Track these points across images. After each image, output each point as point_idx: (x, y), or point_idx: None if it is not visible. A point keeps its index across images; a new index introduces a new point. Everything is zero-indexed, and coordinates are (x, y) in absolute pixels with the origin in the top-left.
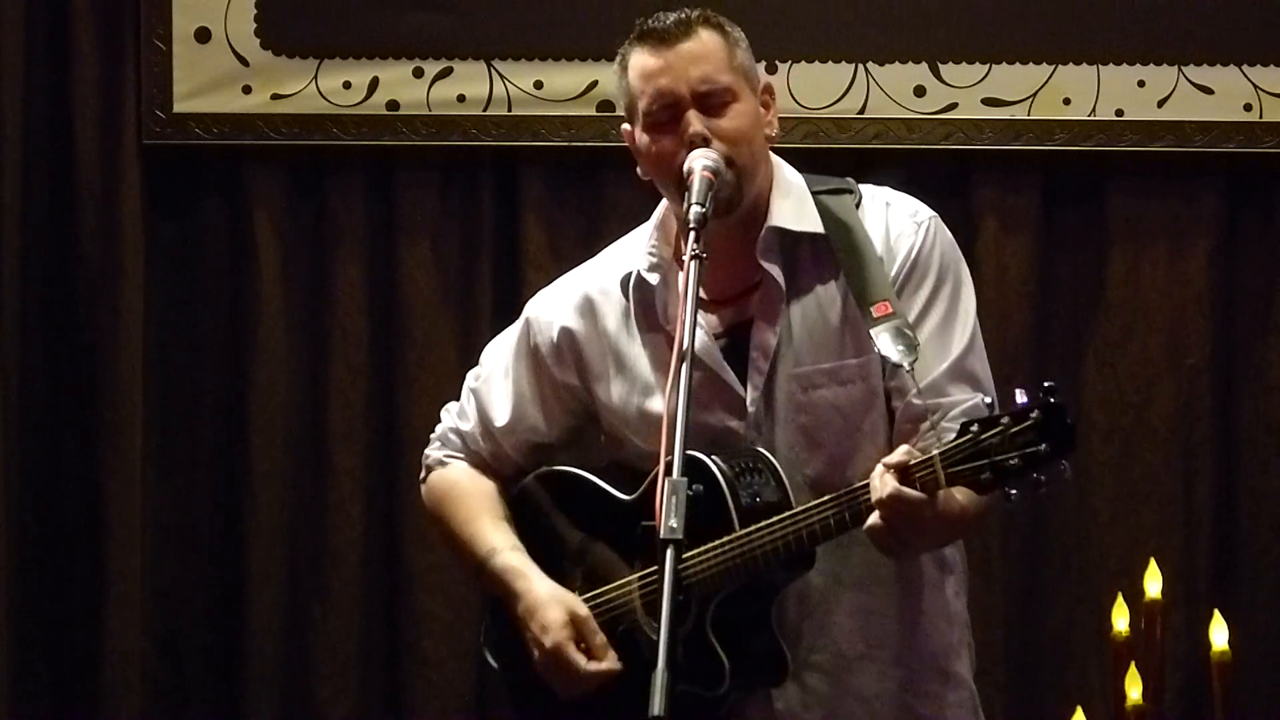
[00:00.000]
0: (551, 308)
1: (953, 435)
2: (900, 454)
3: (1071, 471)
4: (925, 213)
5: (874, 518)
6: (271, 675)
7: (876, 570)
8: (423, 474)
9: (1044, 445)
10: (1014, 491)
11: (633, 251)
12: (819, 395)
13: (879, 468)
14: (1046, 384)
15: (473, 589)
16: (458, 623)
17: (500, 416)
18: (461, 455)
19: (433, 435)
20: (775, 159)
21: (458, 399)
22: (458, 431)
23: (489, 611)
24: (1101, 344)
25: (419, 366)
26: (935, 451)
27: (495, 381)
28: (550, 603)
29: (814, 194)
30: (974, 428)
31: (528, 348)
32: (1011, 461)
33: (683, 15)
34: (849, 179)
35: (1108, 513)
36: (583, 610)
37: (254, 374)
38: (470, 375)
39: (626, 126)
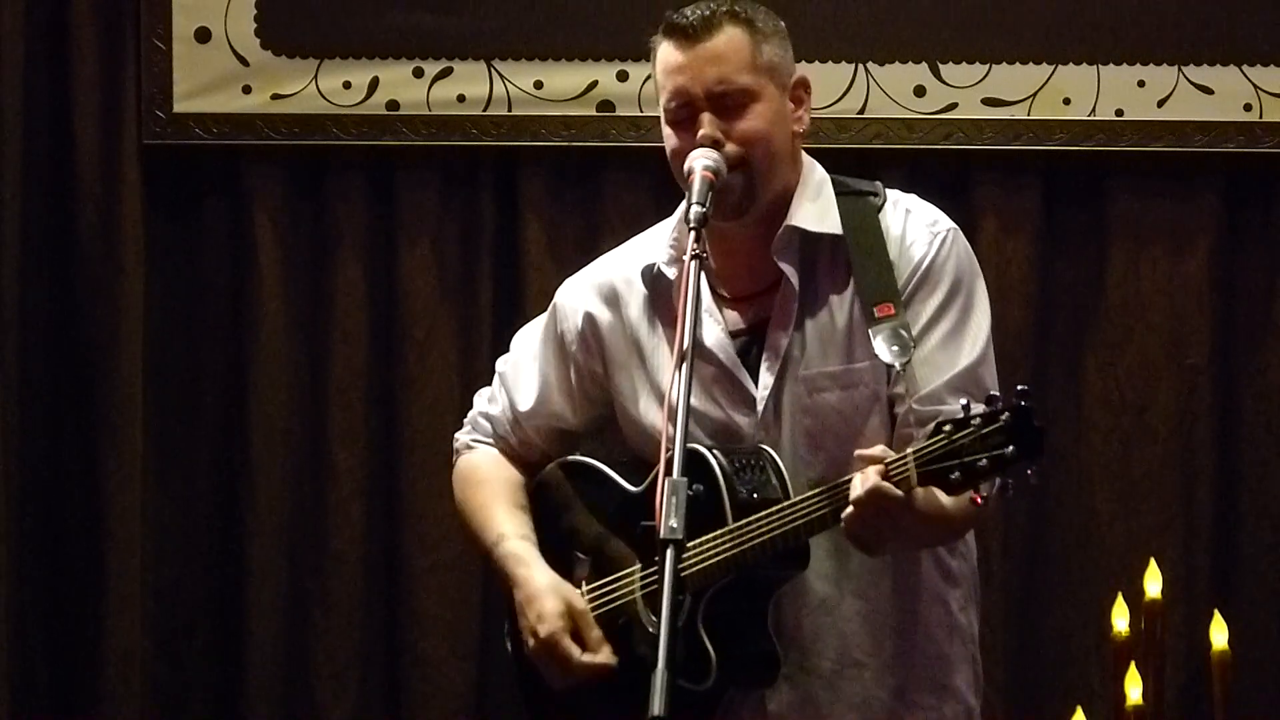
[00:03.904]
0: (578, 295)
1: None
2: (877, 450)
3: (1038, 478)
4: (945, 223)
5: (849, 509)
6: (271, 675)
7: (877, 577)
8: (454, 458)
9: (1010, 448)
10: (983, 496)
11: (657, 243)
12: (823, 399)
13: (856, 462)
14: (1020, 387)
15: (473, 589)
16: (458, 623)
17: (525, 401)
18: (489, 440)
19: (465, 420)
20: (808, 159)
21: (465, 395)
22: (487, 416)
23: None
24: (1101, 344)
25: (419, 366)
26: (909, 450)
27: (523, 366)
28: (548, 593)
29: (839, 195)
30: (947, 427)
31: (555, 334)
32: (980, 463)
33: (709, 10)
34: (878, 182)
35: (1108, 513)
36: (580, 603)
37: (254, 374)
38: (500, 360)
39: (660, 114)
